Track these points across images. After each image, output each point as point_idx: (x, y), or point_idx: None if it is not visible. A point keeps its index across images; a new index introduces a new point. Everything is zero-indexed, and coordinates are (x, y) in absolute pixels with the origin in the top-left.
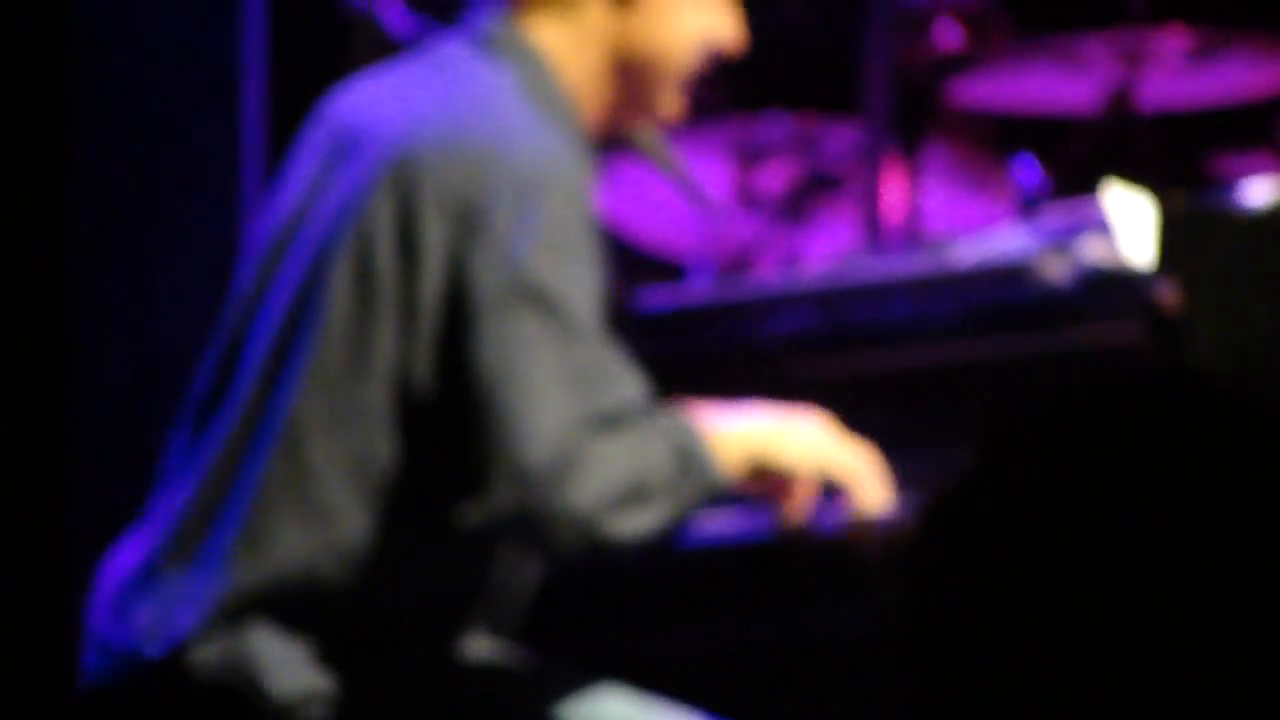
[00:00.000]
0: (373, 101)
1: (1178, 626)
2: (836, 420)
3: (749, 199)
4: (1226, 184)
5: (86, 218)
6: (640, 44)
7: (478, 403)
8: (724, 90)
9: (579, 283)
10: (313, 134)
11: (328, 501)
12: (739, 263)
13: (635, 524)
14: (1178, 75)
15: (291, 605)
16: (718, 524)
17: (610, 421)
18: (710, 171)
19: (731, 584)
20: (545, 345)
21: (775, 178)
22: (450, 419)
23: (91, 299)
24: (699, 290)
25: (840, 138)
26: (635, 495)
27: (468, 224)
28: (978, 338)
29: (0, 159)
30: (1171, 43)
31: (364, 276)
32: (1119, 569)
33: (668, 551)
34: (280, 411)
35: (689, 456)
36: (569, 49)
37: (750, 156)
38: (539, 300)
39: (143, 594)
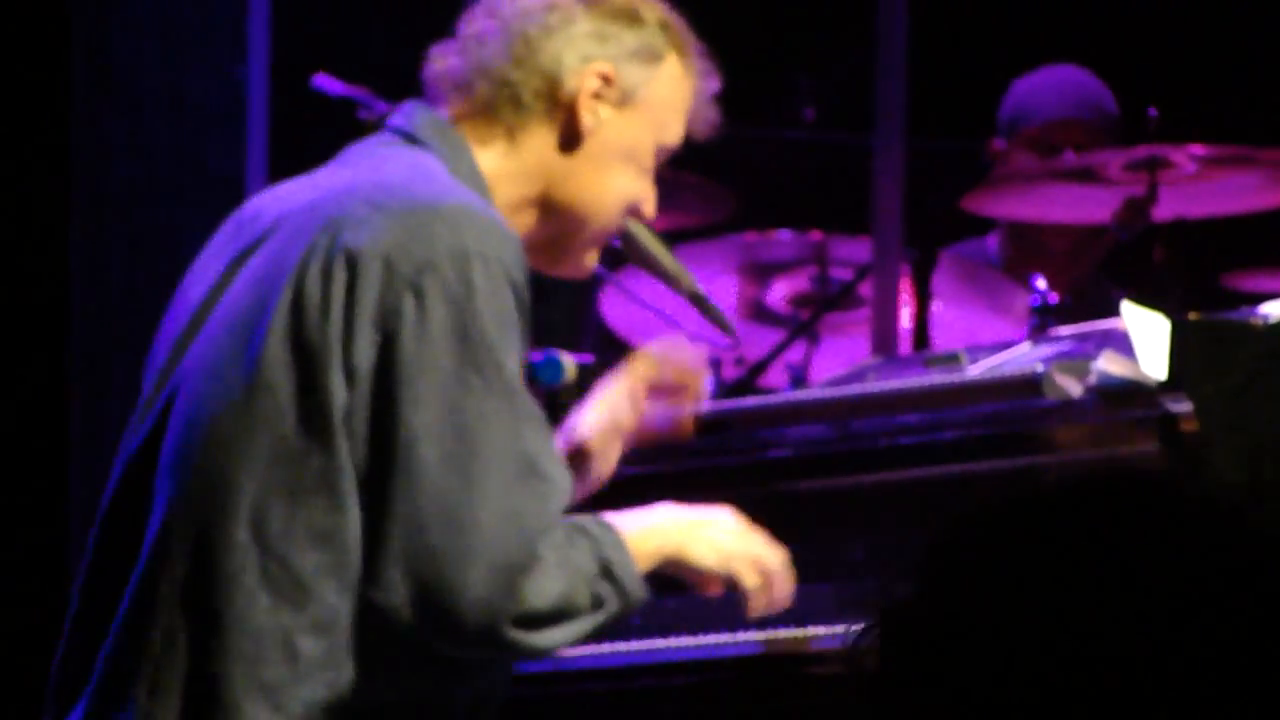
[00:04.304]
0: (287, 193)
1: None
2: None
3: (759, 313)
4: (1243, 299)
5: (88, 326)
6: (571, 190)
7: (419, 476)
8: (736, 206)
9: (516, 356)
10: (217, 235)
11: (297, 574)
12: (748, 377)
13: (553, 639)
14: (1194, 190)
15: (273, 684)
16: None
17: (550, 530)
18: (720, 286)
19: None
20: (497, 424)
21: (785, 293)
22: (381, 486)
23: (94, 408)
24: (708, 403)
25: (851, 252)
26: (562, 614)
27: (405, 282)
28: (989, 450)
29: (3, 269)
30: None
31: (298, 344)
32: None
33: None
34: (234, 488)
35: (613, 575)
36: (501, 173)
37: (760, 272)
38: (489, 369)
39: (121, 694)
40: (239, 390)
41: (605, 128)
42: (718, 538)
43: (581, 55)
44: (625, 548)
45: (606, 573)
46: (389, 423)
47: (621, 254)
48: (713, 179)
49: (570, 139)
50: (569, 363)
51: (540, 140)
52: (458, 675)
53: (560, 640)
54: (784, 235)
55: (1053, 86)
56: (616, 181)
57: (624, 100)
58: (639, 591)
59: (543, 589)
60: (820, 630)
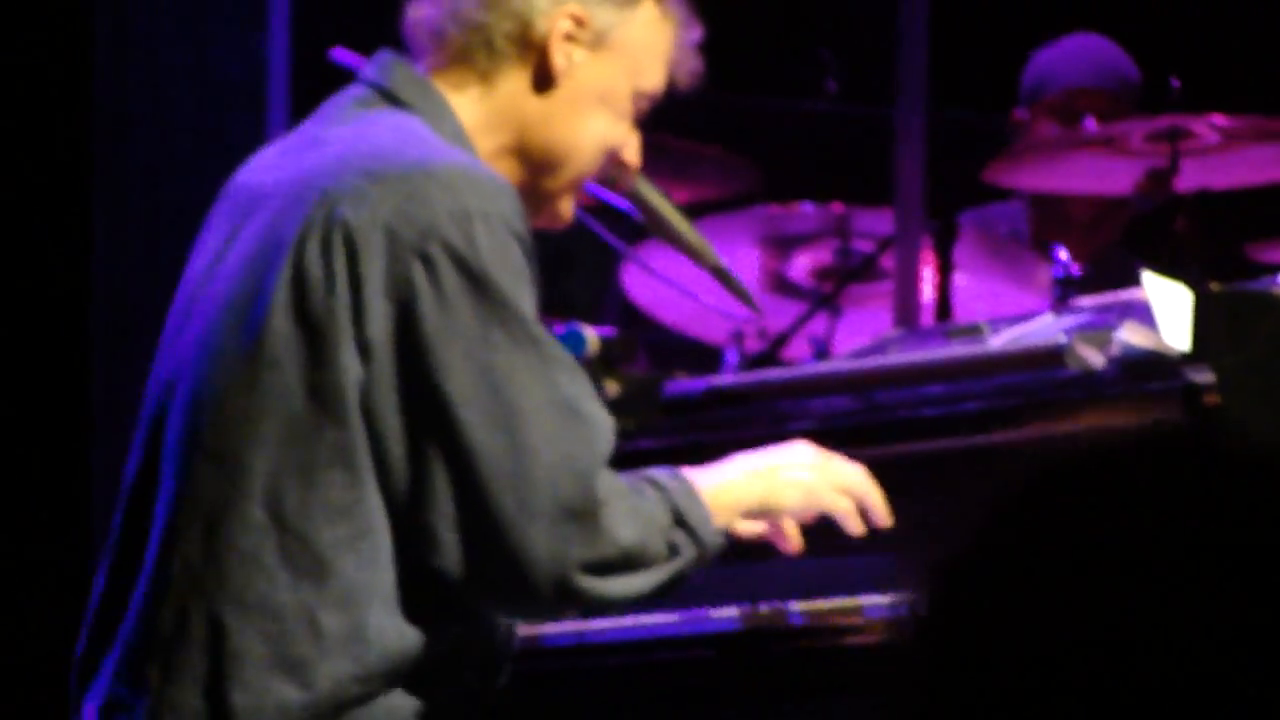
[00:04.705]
0: (274, 162)
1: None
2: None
3: (781, 286)
4: (1265, 270)
5: (110, 300)
6: (546, 134)
7: (464, 442)
8: (758, 179)
9: (533, 305)
10: (214, 210)
11: (316, 550)
12: (771, 349)
13: (628, 587)
14: (1216, 161)
15: (299, 661)
16: (681, 616)
17: (603, 471)
18: (742, 259)
19: (704, 679)
20: (529, 375)
21: (807, 265)
22: (423, 456)
23: (115, 383)
24: (730, 375)
25: (873, 225)
26: (634, 561)
27: (411, 250)
28: (1011, 422)
29: (25, 244)
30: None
31: (304, 321)
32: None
33: (640, 645)
34: (245, 468)
35: (687, 523)
36: (478, 123)
37: (782, 244)
38: (511, 323)
39: (136, 675)
40: (242, 369)
41: (578, 70)
42: (798, 476)
43: None
44: (698, 497)
45: (680, 521)
46: (422, 393)
47: (642, 227)
48: (734, 151)
49: (543, 82)
50: (591, 335)
51: (514, 84)
52: (473, 634)
53: (635, 589)
54: (806, 208)
55: (1074, 54)
56: (592, 125)
57: (597, 42)
58: (715, 540)
59: (611, 534)
60: (836, 603)
